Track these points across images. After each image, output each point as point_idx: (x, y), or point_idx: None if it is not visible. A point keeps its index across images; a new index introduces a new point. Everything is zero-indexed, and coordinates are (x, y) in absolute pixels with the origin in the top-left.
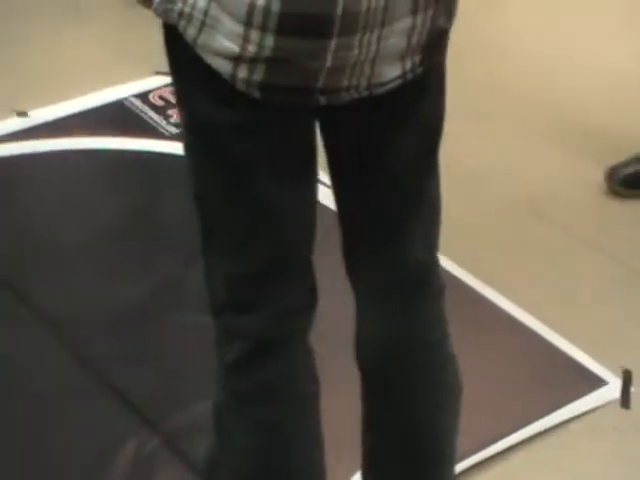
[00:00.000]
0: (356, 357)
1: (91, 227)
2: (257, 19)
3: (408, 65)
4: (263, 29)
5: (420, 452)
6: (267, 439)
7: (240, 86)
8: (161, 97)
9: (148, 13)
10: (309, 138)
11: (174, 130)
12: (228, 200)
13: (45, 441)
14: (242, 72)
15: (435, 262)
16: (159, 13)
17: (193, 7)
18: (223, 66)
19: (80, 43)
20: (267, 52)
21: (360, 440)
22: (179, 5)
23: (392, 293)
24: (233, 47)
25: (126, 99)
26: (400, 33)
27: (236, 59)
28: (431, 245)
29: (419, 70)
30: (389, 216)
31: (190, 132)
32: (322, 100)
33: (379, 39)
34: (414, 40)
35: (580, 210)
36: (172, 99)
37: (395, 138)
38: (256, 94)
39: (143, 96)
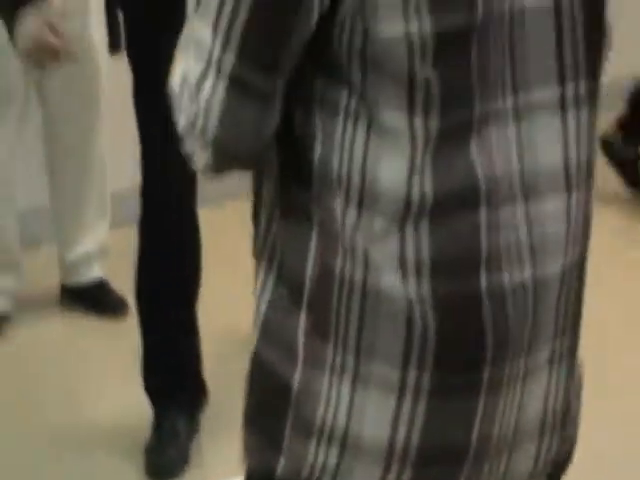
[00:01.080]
0: None
1: None
2: (397, 455)
3: None
4: (402, 464)
5: None
6: None
7: None
8: None
9: None
10: None
11: None
12: None
13: None
14: None
15: None
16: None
17: (324, 465)
18: None
19: None
20: None
21: None
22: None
23: None
24: None
25: None
26: (528, 457)
27: None
28: None
29: None
30: None
31: None
32: None
33: (507, 464)
34: (539, 465)
35: None
36: None
37: None
38: None
39: None
